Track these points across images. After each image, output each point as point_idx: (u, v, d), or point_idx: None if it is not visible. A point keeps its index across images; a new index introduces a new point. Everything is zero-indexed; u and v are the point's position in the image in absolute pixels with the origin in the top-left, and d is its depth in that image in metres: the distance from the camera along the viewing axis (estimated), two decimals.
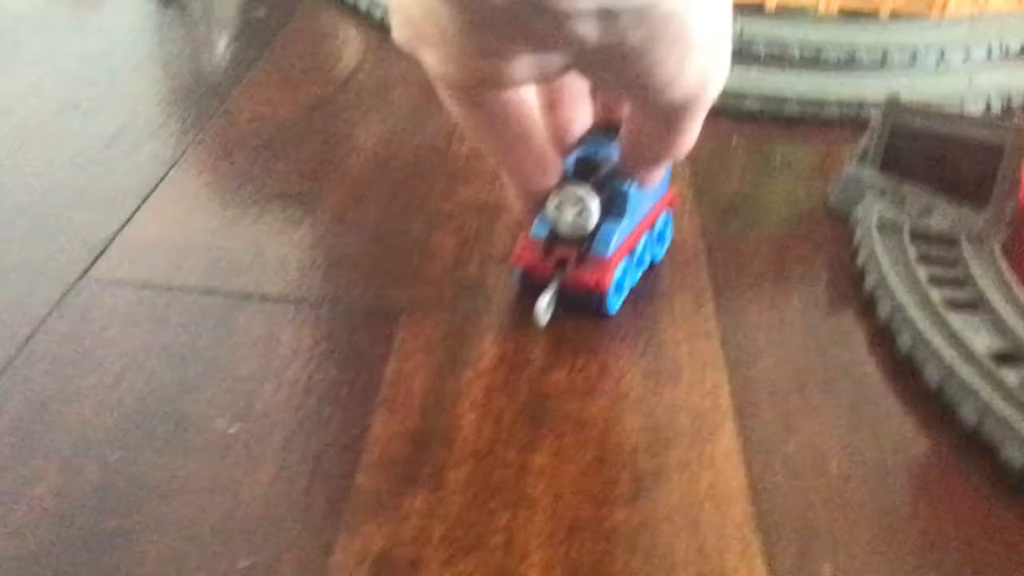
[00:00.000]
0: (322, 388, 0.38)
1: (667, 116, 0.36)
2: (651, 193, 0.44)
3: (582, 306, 0.42)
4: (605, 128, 0.44)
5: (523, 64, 0.31)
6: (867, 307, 0.45)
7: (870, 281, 0.45)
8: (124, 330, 0.40)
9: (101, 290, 0.42)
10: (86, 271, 0.43)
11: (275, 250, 0.46)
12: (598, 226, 0.41)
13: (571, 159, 0.42)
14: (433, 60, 0.33)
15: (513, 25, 0.29)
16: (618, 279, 0.42)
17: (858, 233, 0.49)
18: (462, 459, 0.35)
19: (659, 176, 0.42)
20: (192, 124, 0.57)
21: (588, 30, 0.29)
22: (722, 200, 0.53)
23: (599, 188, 0.41)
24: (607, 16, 0.29)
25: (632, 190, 0.42)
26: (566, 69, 0.33)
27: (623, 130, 0.40)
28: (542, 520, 0.33)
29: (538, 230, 0.42)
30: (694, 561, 0.32)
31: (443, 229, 0.49)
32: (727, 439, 0.37)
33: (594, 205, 0.40)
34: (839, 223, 0.51)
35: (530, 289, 0.42)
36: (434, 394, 0.38)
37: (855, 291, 0.46)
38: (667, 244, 0.48)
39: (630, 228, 0.42)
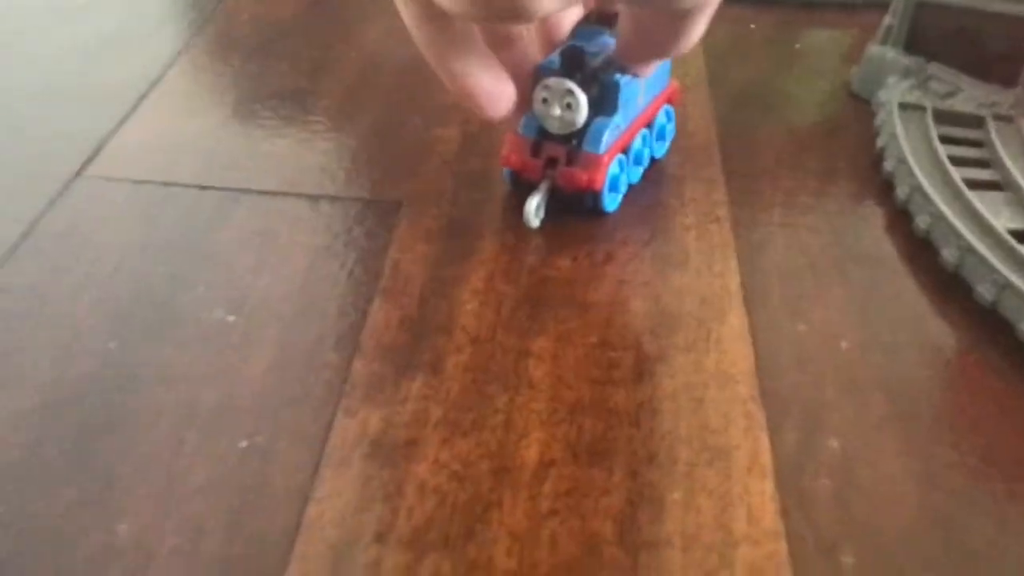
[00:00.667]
0: (320, 279, 0.37)
1: (677, 15, 0.31)
2: (648, 87, 0.42)
3: (576, 206, 0.40)
4: (597, 18, 0.41)
5: None
6: (886, 191, 0.43)
7: (889, 163, 0.43)
8: (120, 225, 0.40)
9: (97, 187, 0.42)
10: (82, 169, 0.43)
11: (272, 147, 0.45)
12: (588, 122, 0.39)
13: (555, 54, 0.39)
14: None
15: None
16: (612, 176, 0.40)
17: (879, 116, 0.47)
18: (461, 345, 0.34)
19: (655, 68, 0.39)
20: (190, 24, 0.56)
21: None
22: (737, 87, 0.51)
23: (588, 82, 0.38)
24: None
25: (624, 83, 0.39)
26: None
27: (620, 24, 0.35)
28: (542, 401, 0.32)
29: (526, 128, 0.40)
30: (697, 436, 0.31)
31: (443, 124, 0.47)
32: (735, 321, 0.36)
33: (582, 99, 0.38)
34: (861, 108, 0.49)
35: (521, 189, 0.41)
36: (433, 283, 0.37)
37: (874, 176, 0.44)
38: (669, 140, 0.45)
39: (624, 123, 0.40)
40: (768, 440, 0.31)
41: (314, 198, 0.42)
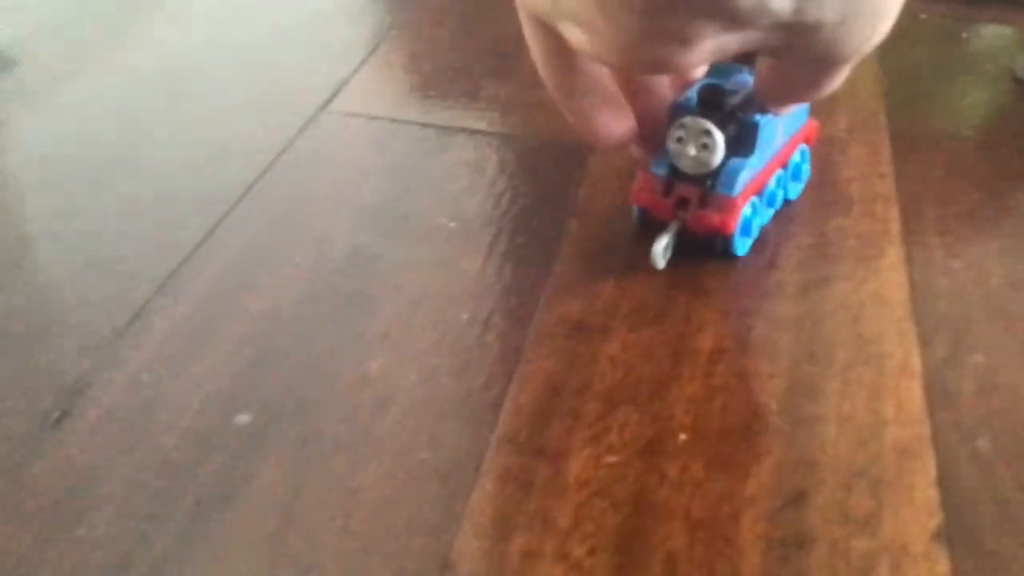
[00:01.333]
0: (524, 201, 0.44)
1: (823, 68, 0.30)
2: (786, 126, 0.40)
3: (705, 248, 0.39)
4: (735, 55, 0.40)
5: (702, 49, 0.26)
6: None
7: None
8: (358, 151, 0.47)
9: (338, 120, 0.50)
10: (325, 105, 0.51)
11: (487, 92, 0.52)
12: (723, 162, 0.37)
13: (692, 91, 0.38)
14: (582, 39, 0.27)
15: (705, 2, 0.24)
16: (745, 220, 0.39)
17: None
18: (646, 261, 0.40)
19: (796, 107, 0.37)
20: None
21: (785, 2, 0.24)
22: (906, 67, 0.55)
23: (725, 121, 0.37)
24: None
25: (764, 123, 0.38)
26: (746, 49, 0.27)
27: (758, 68, 0.33)
28: (716, 306, 0.37)
29: (657, 166, 0.39)
30: (854, 344, 0.35)
31: None
32: (893, 257, 0.40)
33: (719, 140, 0.37)
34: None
35: (650, 229, 0.40)
36: (620, 212, 0.43)
37: None
38: (804, 181, 0.44)
39: (760, 165, 0.39)
40: (918, 351, 0.35)
41: (518, 138, 0.48)
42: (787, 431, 0.32)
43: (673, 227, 0.39)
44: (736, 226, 0.38)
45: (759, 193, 0.40)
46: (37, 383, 0.33)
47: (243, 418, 0.32)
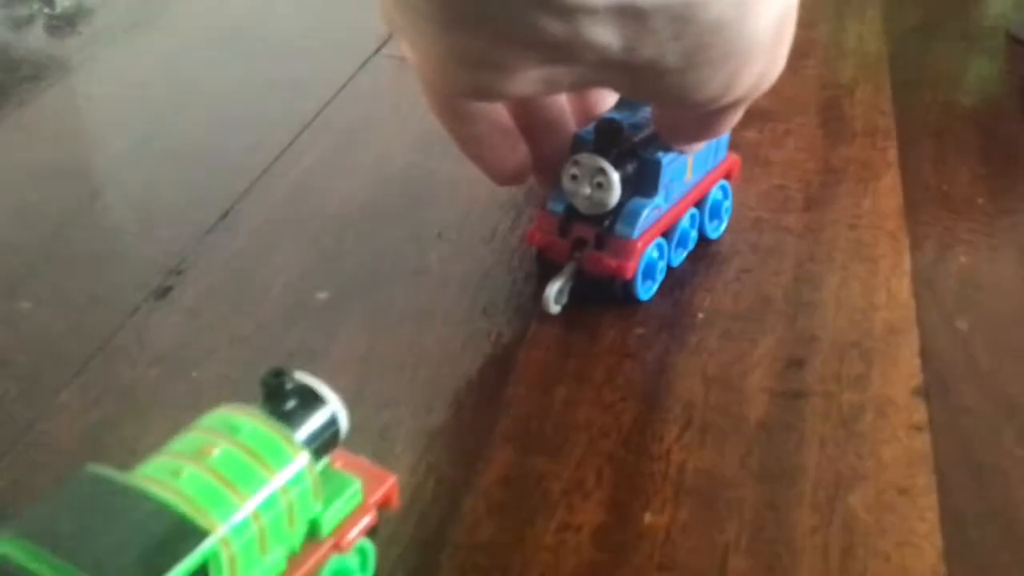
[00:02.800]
0: None
1: (707, 116, 0.29)
2: (699, 163, 0.38)
3: (605, 292, 0.37)
4: None
5: (525, 78, 0.24)
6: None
7: None
8: (410, 88, 0.52)
9: (391, 64, 0.55)
10: (379, 48, 0.56)
11: None
12: (623, 202, 0.35)
13: (592, 124, 0.36)
14: (412, 59, 0.26)
15: (509, 26, 0.21)
16: (648, 263, 0.36)
17: None
18: None
19: (702, 146, 0.35)
20: None
21: (608, 36, 0.22)
22: (908, 22, 0.60)
23: (625, 158, 0.35)
24: (632, 17, 0.21)
25: (667, 161, 0.35)
26: (583, 84, 0.26)
27: (653, 112, 0.33)
28: (732, 215, 0.42)
29: (554, 203, 0.37)
30: (852, 247, 0.40)
31: None
32: (890, 180, 0.45)
33: (614, 179, 0.34)
34: (1017, 47, 0.57)
35: (548, 270, 0.37)
36: None
37: (1020, 92, 0.52)
38: (726, 219, 0.41)
39: (666, 205, 0.37)
40: (909, 254, 0.40)
41: None
42: (790, 313, 0.37)
43: (569, 269, 0.36)
44: (636, 270, 0.36)
45: (667, 234, 0.38)
46: (144, 266, 0.39)
47: (322, 295, 0.37)
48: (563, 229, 0.36)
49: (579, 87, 0.26)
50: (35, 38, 0.58)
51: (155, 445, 0.31)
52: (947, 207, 0.43)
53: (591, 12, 0.21)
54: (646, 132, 0.35)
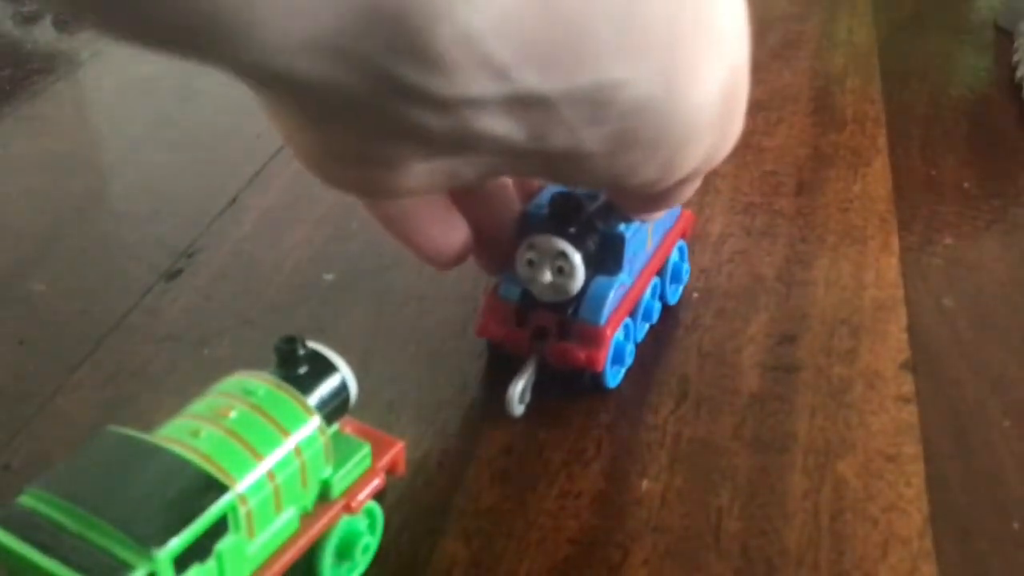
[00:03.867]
0: None
1: (657, 195, 0.25)
2: (657, 226, 0.34)
3: (570, 384, 0.33)
4: None
5: (417, 174, 0.20)
6: (1015, 89, 0.52)
7: (1020, 71, 0.52)
8: None
9: None
10: None
11: None
12: (586, 283, 0.31)
13: (543, 196, 0.32)
14: (291, 148, 0.21)
15: (380, 119, 0.17)
16: (617, 347, 0.32)
17: (1018, 42, 0.56)
18: None
19: (663, 213, 0.30)
20: None
21: (506, 126, 0.18)
22: (898, 17, 0.61)
23: (584, 235, 0.31)
24: (534, 105, 0.17)
25: (631, 233, 0.32)
26: (495, 175, 0.22)
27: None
28: (724, 200, 0.43)
29: (507, 290, 0.32)
30: (843, 229, 0.41)
31: None
32: (879, 165, 0.46)
33: (577, 262, 0.30)
34: (1004, 39, 0.58)
35: (503, 364, 0.33)
36: None
37: (1007, 82, 0.53)
38: (685, 281, 0.38)
39: (631, 280, 0.33)
40: (897, 235, 0.41)
41: None
42: (782, 291, 0.38)
43: (532, 364, 0.32)
44: (607, 359, 0.32)
45: (632, 313, 0.34)
46: (155, 249, 0.40)
47: (329, 276, 0.38)
48: (520, 318, 0.32)
49: (492, 178, 0.22)
50: (45, 33, 0.59)
51: (168, 419, 0.33)
52: (934, 191, 0.44)
53: (478, 104, 0.17)
54: (601, 201, 0.31)
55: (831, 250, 0.40)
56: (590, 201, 0.31)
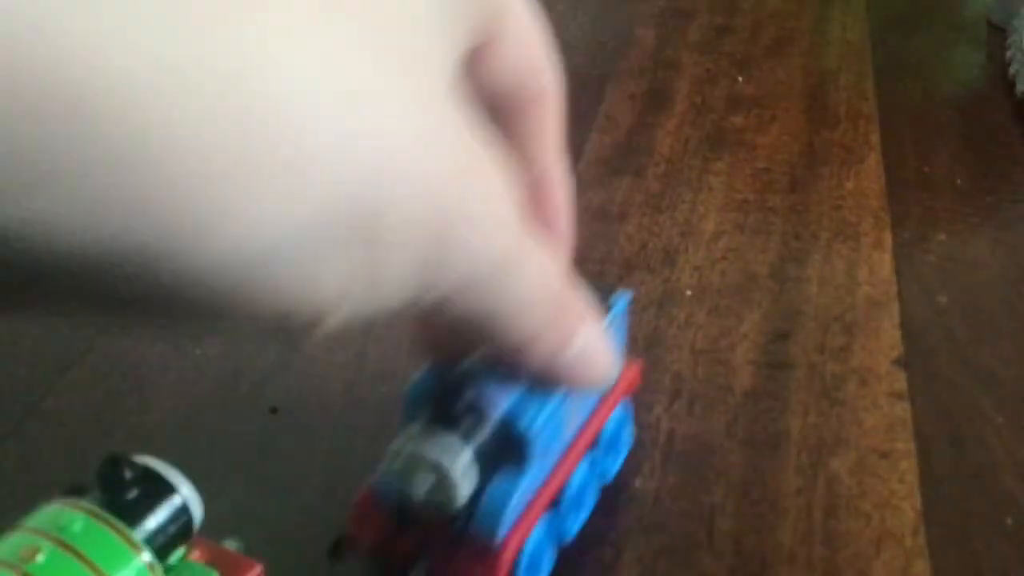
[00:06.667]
0: None
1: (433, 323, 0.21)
2: (582, 403, 0.27)
3: None
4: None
5: None
6: (1008, 85, 0.52)
7: (1013, 67, 0.52)
8: None
9: None
10: None
11: None
12: (481, 486, 0.24)
13: (422, 374, 0.25)
14: None
15: None
16: (532, 555, 0.26)
17: (1011, 37, 0.56)
18: (658, 162, 0.46)
19: (587, 376, 0.23)
20: None
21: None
22: (892, 12, 0.61)
23: (470, 432, 0.23)
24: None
25: (538, 425, 0.24)
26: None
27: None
28: (719, 197, 0.43)
29: (384, 488, 0.25)
30: (836, 226, 0.41)
31: (644, 25, 0.59)
32: (872, 163, 0.46)
33: (457, 469, 0.23)
34: (997, 35, 0.58)
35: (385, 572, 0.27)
36: (639, 125, 0.49)
37: (1000, 78, 0.53)
38: (626, 450, 0.31)
39: (543, 472, 0.26)
40: (890, 232, 0.41)
41: None
42: (776, 289, 0.38)
43: (421, 568, 0.25)
44: None
45: (553, 505, 0.26)
46: None
47: None
48: (401, 521, 0.25)
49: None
50: None
51: (159, 420, 0.33)
52: (927, 188, 0.44)
53: None
54: (482, 374, 0.24)
55: (824, 247, 0.40)
56: (473, 378, 0.24)
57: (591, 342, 0.21)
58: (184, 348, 0.35)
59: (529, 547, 0.25)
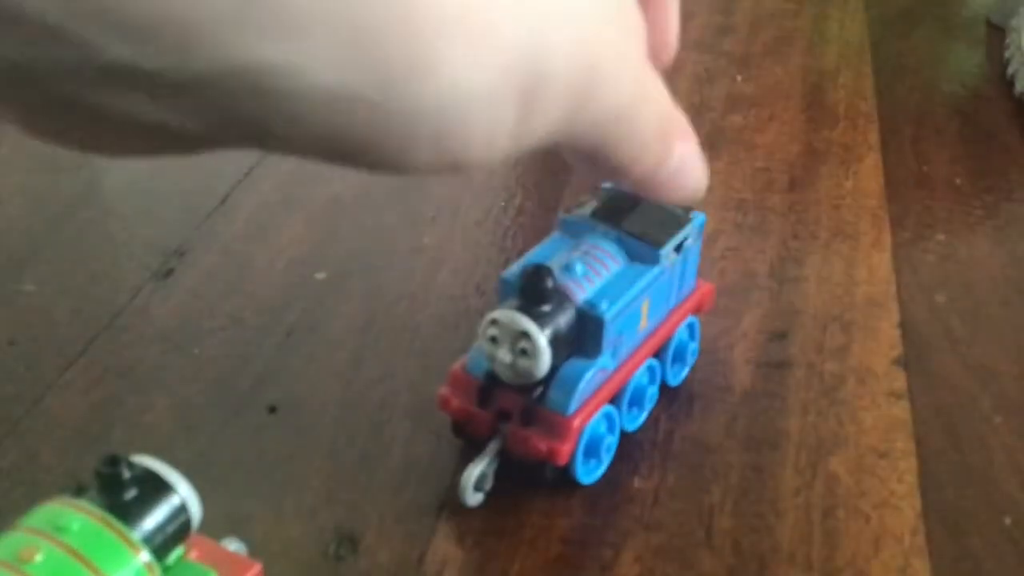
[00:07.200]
0: None
1: (567, 152, 0.20)
2: (657, 301, 0.30)
3: (533, 477, 0.29)
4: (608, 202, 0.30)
5: (109, 136, 0.15)
6: (1007, 85, 0.52)
7: (1012, 67, 0.52)
8: None
9: None
10: None
11: None
12: (558, 364, 0.27)
13: (515, 267, 0.29)
14: None
15: None
16: (592, 440, 0.29)
17: (1010, 37, 0.56)
18: None
19: (678, 185, 0.21)
20: None
21: (144, 108, 0.13)
22: (891, 11, 0.61)
23: (555, 312, 0.27)
24: (158, 85, 0.13)
25: (612, 314, 0.27)
26: (213, 145, 0.15)
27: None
28: (716, 196, 0.43)
29: (473, 364, 0.28)
30: (835, 225, 0.41)
31: None
32: (871, 162, 0.46)
33: (541, 342, 0.26)
34: (996, 35, 0.58)
35: (467, 443, 0.30)
36: None
37: (999, 77, 0.53)
38: (691, 363, 0.34)
39: (613, 363, 0.29)
40: (889, 231, 0.41)
41: None
42: (774, 288, 0.38)
43: (492, 448, 0.28)
44: (572, 453, 0.28)
45: (615, 399, 0.30)
46: (146, 249, 0.40)
47: (320, 275, 0.38)
48: (483, 398, 0.28)
49: (214, 146, 0.16)
50: None
51: (158, 421, 0.32)
52: (926, 187, 0.44)
53: (74, 76, 0.13)
54: (580, 272, 0.28)
55: (823, 246, 0.40)
56: (568, 276, 0.28)
57: (689, 154, 0.23)
58: (183, 348, 0.35)
59: (592, 428, 0.28)
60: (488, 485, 0.29)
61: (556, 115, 0.17)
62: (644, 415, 0.32)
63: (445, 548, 0.28)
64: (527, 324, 0.26)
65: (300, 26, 0.13)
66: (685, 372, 0.34)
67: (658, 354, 0.32)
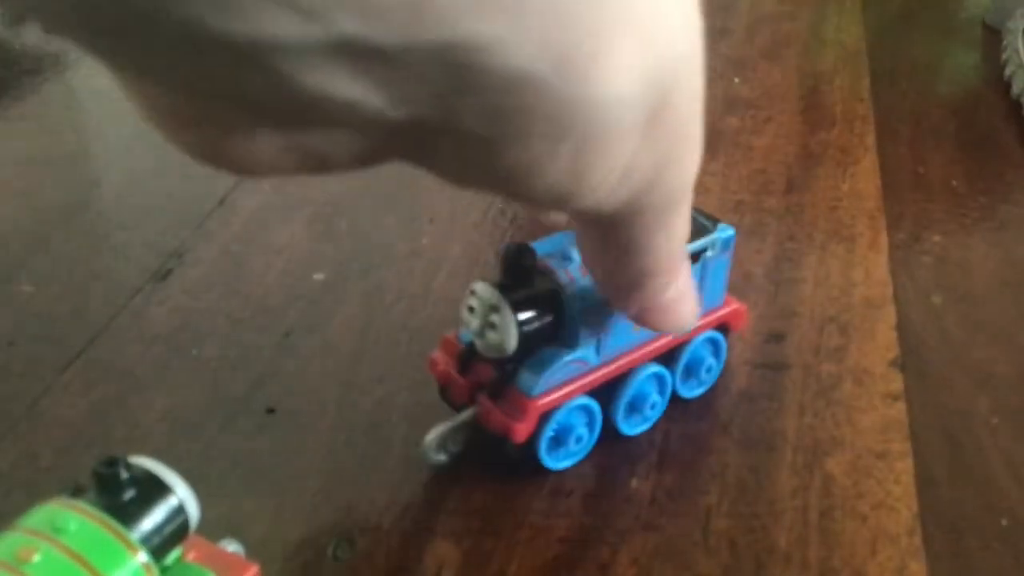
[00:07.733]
0: None
1: (603, 228, 0.21)
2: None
3: (499, 451, 0.29)
4: None
5: (266, 145, 0.17)
6: (1004, 87, 0.52)
7: (1008, 69, 0.52)
8: None
9: None
10: None
11: None
12: (532, 348, 0.28)
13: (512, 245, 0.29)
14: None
15: (193, 75, 0.14)
16: (559, 428, 0.30)
17: (1006, 39, 0.56)
18: None
19: (661, 317, 0.24)
20: None
21: (347, 87, 0.14)
22: (888, 13, 0.61)
23: (533, 292, 0.28)
24: (370, 61, 0.14)
25: (583, 305, 0.28)
26: (372, 158, 0.18)
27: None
28: (713, 198, 0.43)
29: (464, 332, 0.30)
30: (831, 227, 0.42)
31: None
32: (867, 163, 0.46)
33: (509, 321, 0.27)
34: (992, 37, 0.58)
35: (448, 405, 0.31)
36: None
37: (996, 80, 0.53)
38: (712, 380, 0.33)
39: (595, 359, 0.29)
40: (886, 232, 0.41)
41: None
42: (771, 289, 0.38)
43: (464, 415, 0.30)
44: (530, 434, 0.29)
45: (608, 399, 0.30)
46: (144, 250, 0.40)
47: (319, 276, 0.38)
48: (463, 365, 0.30)
49: (369, 162, 0.18)
50: (33, 34, 0.59)
51: (156, 422, 0.33)
52: (923, 189, 0.44)
53: (292, 53, 0.13)
54: (574, 267, 0.28)
55: (820, 248, 0.40)
56: (560, 262, 0.28)
57: (687, 288, 0.23)
58: (181, 349, 0.35)
59: (561, 415, 0.29)
60: (455, 448, 0.30)
61: (651, 161, 0.18)
62: (646, 424, 0.32)
63: (443, 548, 0.28)
64: (497, 298, 0.27)
65: (517, 3, 0.14)
66: (700, 391, 0.33)
67: (669, 363, 0.32)
